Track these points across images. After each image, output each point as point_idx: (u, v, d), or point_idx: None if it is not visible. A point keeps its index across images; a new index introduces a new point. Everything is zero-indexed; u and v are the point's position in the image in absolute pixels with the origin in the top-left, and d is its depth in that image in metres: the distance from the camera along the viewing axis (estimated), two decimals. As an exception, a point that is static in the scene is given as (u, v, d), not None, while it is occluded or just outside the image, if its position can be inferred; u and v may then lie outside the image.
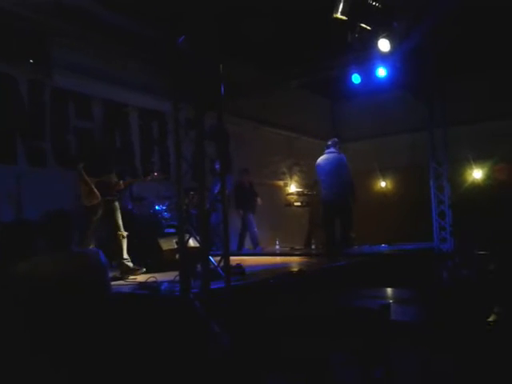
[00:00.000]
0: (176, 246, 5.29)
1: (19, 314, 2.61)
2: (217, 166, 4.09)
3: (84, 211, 5.35)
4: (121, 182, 5.57)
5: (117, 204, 5.45)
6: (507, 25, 7.76)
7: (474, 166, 10.39)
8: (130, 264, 5.29)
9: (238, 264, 4.96)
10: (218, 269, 3.86)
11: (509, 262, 5.96)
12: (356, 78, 8.40)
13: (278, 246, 9.50)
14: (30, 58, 6.61)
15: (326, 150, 7.90)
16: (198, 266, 3.90)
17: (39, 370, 2.51)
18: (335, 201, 7.50)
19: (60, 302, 2.62)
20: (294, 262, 6.94)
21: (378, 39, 6.28)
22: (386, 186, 12.05)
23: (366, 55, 7.28)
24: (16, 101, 6.53)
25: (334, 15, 5.54)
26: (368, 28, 6.07)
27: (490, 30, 7.94)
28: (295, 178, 10.40)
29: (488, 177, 10.32)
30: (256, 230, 9.19)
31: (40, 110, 6.79)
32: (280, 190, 10.75)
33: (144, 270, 5.33)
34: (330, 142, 7.95)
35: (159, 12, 6.38)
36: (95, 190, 5.28)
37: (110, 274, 3.30)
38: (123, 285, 4.65)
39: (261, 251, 8.76)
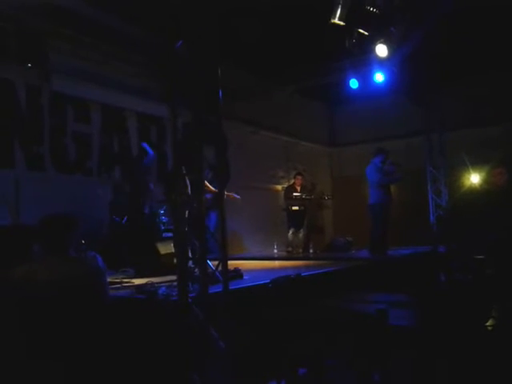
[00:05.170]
0: (174, 251, 5.28)
1: (16, 319, 2.60)
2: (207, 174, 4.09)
3: None
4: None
5: None
6: (504, 28, 7.81)
7: (471, 171, 10.40)
8: None
9: (236, 268, 4.96)
10: (216, 273, 3.86)
11: (506, 267, 5.97)
12: (354, 83, 8.45)
13: (275, 250, 9.50)
14: (28, 62, 6.62)
15: None
16: (196, 270, 3.90)
17: (36, 375, 2.51)
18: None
19: (57, 306, 2.62)
20: (292, 266, 6.94)
21: (375, 44, 6.31)
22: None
23: (363, 60, 7.33)
24: (14, 105, 6.53)
25: (332, 21, 5.56)
26: (365, 33, 6.10)
27: (487, 34, 7.97)
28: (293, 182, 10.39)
29: (485, 181, 10.32)
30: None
31: (38, 114, 6.79)
32: (278, 195, 10.76)
33: None
34: None
35: (158, 16, 6.40)
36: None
37: (108, 279, 3.29)
38: (121, 289, 4.64)
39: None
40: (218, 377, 3.44)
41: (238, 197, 7.13)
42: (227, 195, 6.40)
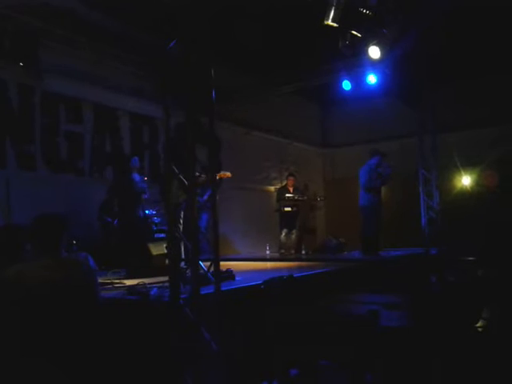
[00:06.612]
0: (166, 251, 5.27)
1: (8, 320, 2.59)
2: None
3: None
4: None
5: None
6: (495, 32, 7.86)
7: (462, 173, 10.47)
8: None
9: (228, 269, 4.96)
10: (208, 274, 3.85)
11: (497, 268, 6.01)
12: (346, 85, 8.48)
13: (268, 252, 9.50)
14: (20, 61, 6.58)
15: None
16: (188, 271, 3.89)
17: (29, 375, 2.49)
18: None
19: (49, 307, 2.60)
20: (285, 267, 6.95)
21: (368, 46, 6.33)
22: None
23: (356, 62, 7.35)
24: (5, 104, 6.49)
25: (325, 22, 5.57)
26: (358, 35, 6.12)
27: (479, 37, 8.03)
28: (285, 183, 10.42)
29: (477, 183, 10.40)
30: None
31: (30, 114, 6.75)
32: (270, 196, 10.77)
33: None
34: None
35: (151, 16, 6.40)
36: None
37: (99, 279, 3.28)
38: (112, 290, 4.62)
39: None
40: (210, 378, 3.44)
41: (229, 173, 6.94)
42: (219, 176, 6.33)
